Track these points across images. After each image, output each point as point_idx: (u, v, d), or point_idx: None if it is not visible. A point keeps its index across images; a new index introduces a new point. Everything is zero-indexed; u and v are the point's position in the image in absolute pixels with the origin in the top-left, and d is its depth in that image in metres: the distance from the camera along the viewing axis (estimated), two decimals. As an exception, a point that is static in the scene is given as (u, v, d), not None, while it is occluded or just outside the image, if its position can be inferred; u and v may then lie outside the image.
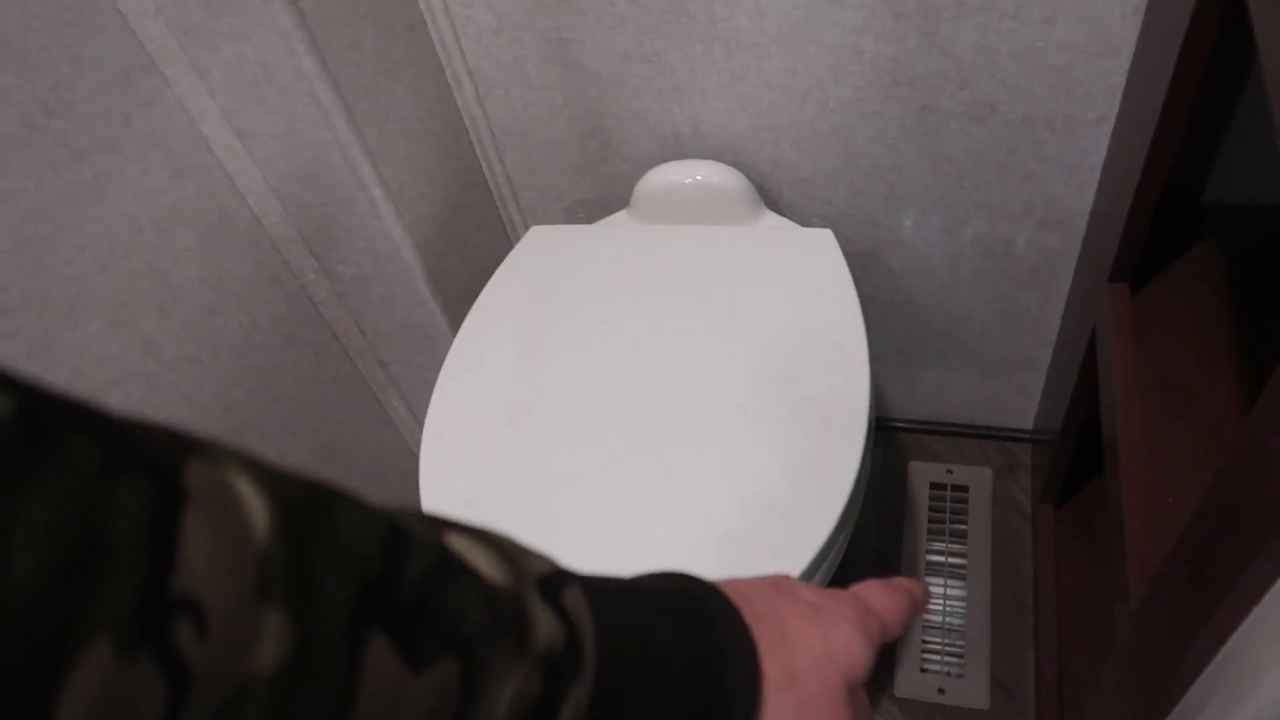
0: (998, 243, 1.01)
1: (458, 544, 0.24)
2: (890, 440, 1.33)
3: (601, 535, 0.72)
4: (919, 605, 0.38)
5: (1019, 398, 1.22)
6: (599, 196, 1.06)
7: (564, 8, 0.88)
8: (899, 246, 1.04)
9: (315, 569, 0.19)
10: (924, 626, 1.16)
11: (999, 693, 1.11)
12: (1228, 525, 0.50)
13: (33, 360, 0.67)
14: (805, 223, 1.02)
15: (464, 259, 1.02)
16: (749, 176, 0.96)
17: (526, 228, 1.11)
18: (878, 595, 0.35)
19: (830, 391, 0.78)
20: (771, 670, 0.30)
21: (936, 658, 1.14)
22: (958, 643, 1.15)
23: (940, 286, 1.08)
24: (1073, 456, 1.11)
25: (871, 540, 1.24)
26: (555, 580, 0.26)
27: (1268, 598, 0.48)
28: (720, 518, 0.72)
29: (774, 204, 1.01)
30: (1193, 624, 0.55)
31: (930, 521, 1.25)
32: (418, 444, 1.19)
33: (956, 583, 1.19)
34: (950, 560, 1.21)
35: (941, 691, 1.11)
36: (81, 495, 0.15)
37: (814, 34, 0.85)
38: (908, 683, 1.12)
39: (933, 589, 1.19)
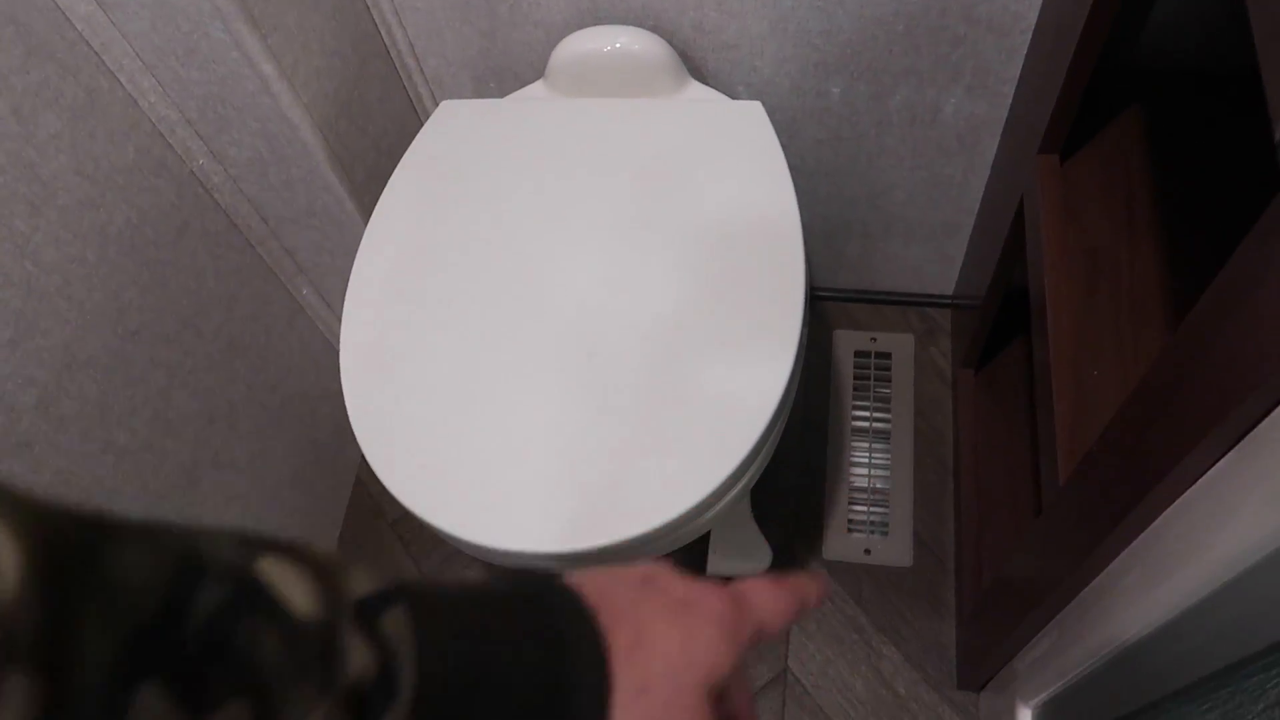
0: (925, 110, 0.98)
1: (270, 569, 0.23)
2: (815, 310, 1.33)
3: (534, 422, 0.70)
4: (810, 604, 0.35)
5: (941, 264, 1.22)
6: (511, 65, 0.99)
7: None
8: (826, 115, 1.00)
9: (73, 620, 0.18)
10: (850, 490, 1.19)
11: (921, 551, 1.15)
12: (1162, 413, 0.50)
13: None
14: (730, 92, 0.97)
15: (369, 138, 0.95)
16: (671, 43, 0.91)
17: (435, 102, 1.04)
18: (762, 595, 0.34)
19: (765, 267, 0.75)
20: (623, 678, 0.29)
21: (862, 520, 1.17)
22: (882, 505, 1.18)
23: (866, 155, 1.05)
24: (993, 327, 1.13)
25: (799, 408, 1.25)
26: (376, 602, 0.25)
27: (1197, 486, 0.49)
28: (660, 398, 0.70)
29: (698, 72, 0.96)
30: (1121, 504, 0.56)
31: (855, 388, 1.26)
32: (332, 333, 1.14)
33: (881, 447, 1.22)
34: (874, 425, 1.23)
35: (867, 552, 1.15)
36: None
37: (739, -116, 0.79)
38: (835, 544, 1.15)
39: (857, 454, 1.22)
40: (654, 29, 0.90)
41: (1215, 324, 0.44)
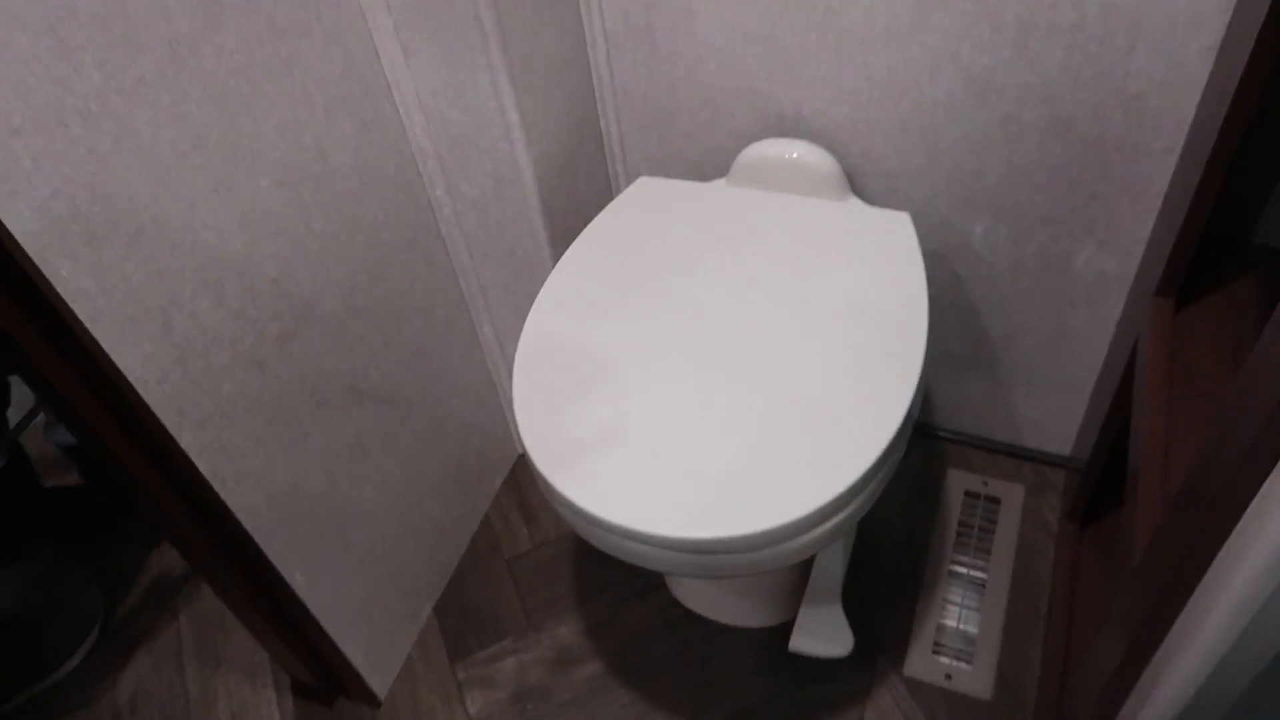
0: (1058, 259, 1.09)
1: None
2: (933, 447, 1.41)
3: (676, 432, 0.81)
4: None
5: (1060, 420, 1.29)
6: (699, 165, 1.17)
7: (700, -16, 0.99)
8: (967, 251, 1.13)
9: None
10: (942, 612, 1.23)
11: (1002, 688, 1.17)
12: (1204, 507, 0.57)
13: (215, 195, 0.79)
14: (884, 214, 1.11)
15: (572, 201, 1.13)
16: (840, 163, 1.06)
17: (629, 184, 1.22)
18: None
19: (892, 339, 0.86)
20: None
21: (949, 644, 1.20)
22: (971, 633, 1.21)
23: (1000, 296, 1.16)
24: (1102, 481, 1.18)
25: (900, 536, 1.31)
26: None
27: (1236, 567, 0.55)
28: (786, 424, 0.80)
29: (859, 192, 1.10)
30: (1180, 584, 0.62)
31: (960, 522, 1.32)
32: (498, 374, 1.29)
33: (979, 578, 1.26)
34: (974, 562, 1.28)
35: (948, 677, 1.17)
36: None
37: (918, 36, 0.95)
38: (917, 662, 1.18)
39: (955, 580, 1.26)
40: (827, 148, 1.06)
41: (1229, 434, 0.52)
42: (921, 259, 0.94)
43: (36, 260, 0.65)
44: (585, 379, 0.87)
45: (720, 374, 0.85)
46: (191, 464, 0.82)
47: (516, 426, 0.84)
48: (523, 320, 1.19)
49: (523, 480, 1.46)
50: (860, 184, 1.10)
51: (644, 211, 1.03)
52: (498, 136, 0.99)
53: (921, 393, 0.83)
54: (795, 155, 1.05)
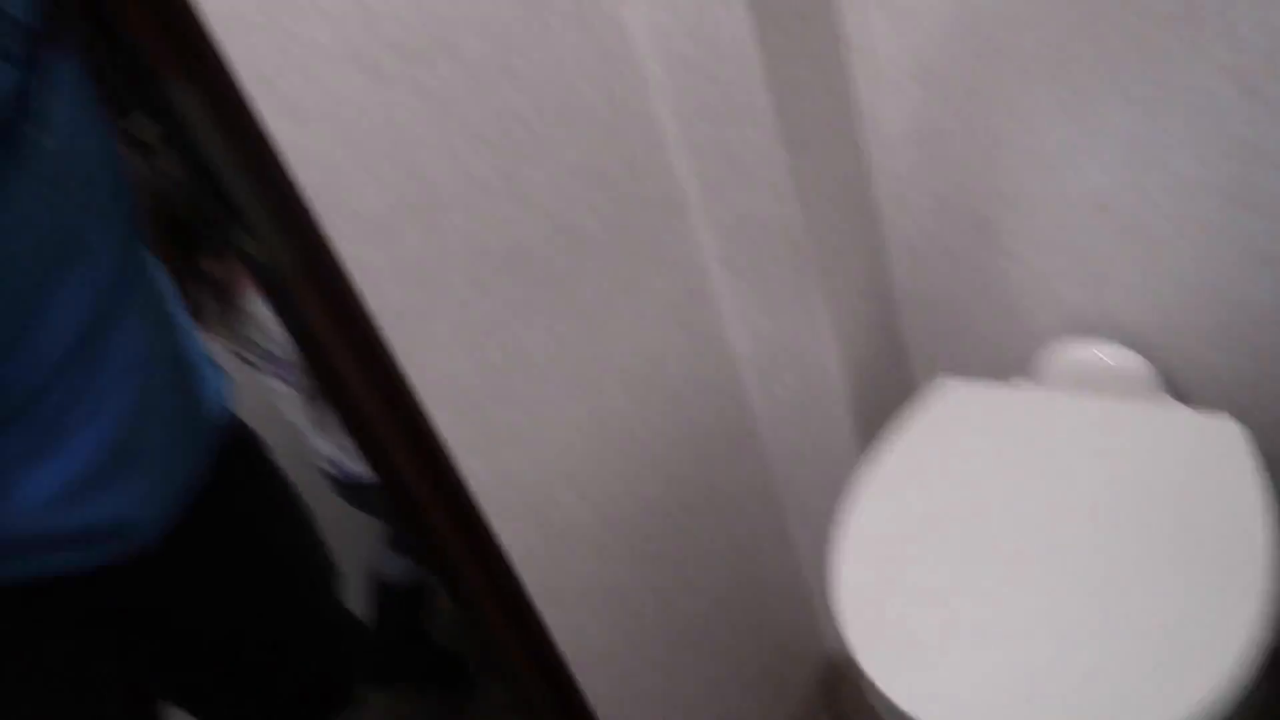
0: None
1: None
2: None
3: (1002, 677, 0.80)
4: None
5: None
6: (999, 367, 1.20)
7: (994, 197, 1.07)
8: (1310, 458, 1.06)
9: None
10: None
11: None
12: None
13: (576, 397, 0.94)
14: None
15: (876, 402, 1.20)
16: (1153, 365, 1.06)
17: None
18: None
19: (1227, 557, 0.82)
20: None
21: None
22: None
23: (1355, 503, 1.07)
24: None
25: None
26: None
27: None
28: (1103, 669, 0.78)
29: (1179, 395, 1.08)
30: None
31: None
32: (809, 573, 1.34)
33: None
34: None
35: None
36: None
37: (1227, 237, 0.96)
38: None
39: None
40: (1138, 350, 1.06)
41: None
42: (1255, 466, 0.91)
43: (452, 454, 0.81)
44: (907, 584, 0.89)
45: (1044, 586, 0.84)
46: (550, 641, 0.93)
47: (839, 625, 0.88)
48: (831, 520, 1.24)
49: (832, 685, 1.45)
50: (1179, 387, 1.08)
51: (949, 414, 1.08)
52: (808, 342, 1.09)
53: (1274, 614, 0.79)
54: (1102, 358, 1.06)
